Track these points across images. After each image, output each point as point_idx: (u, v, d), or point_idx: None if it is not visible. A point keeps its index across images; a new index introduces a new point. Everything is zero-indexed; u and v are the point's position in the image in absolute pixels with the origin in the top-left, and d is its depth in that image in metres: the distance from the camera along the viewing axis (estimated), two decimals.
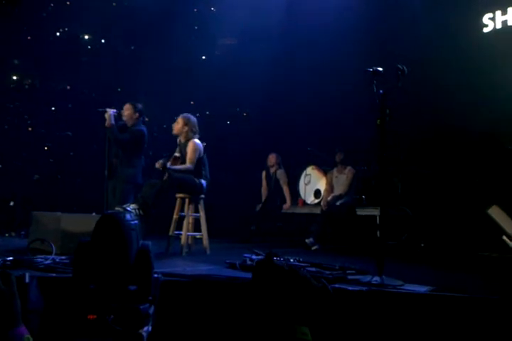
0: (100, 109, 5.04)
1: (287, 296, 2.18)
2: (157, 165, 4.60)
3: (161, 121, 7.89)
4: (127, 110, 5.16)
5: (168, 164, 4.68)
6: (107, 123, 4.97)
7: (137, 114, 5.18)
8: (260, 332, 2.11)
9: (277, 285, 2.24)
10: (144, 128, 5.23)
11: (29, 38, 7.36)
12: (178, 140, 4.97)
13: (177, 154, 4.89)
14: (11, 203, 6.59)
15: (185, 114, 4.94)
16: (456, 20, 5.96)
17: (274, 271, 2.32)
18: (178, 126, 4.89)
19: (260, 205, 6.83)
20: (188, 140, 4.81)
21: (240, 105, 8.27)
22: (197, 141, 4.81)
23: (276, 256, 3.23)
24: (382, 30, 6.41)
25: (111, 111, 4.98)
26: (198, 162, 4.75)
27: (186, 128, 4.84)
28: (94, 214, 4.40)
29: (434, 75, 5.76)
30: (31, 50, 7.26)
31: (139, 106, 5.24)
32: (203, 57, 8.39)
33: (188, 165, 4.69)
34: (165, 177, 4.47)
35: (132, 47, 8.05)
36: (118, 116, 5.09)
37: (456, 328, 2.47)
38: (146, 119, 5.50)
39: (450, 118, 5.57)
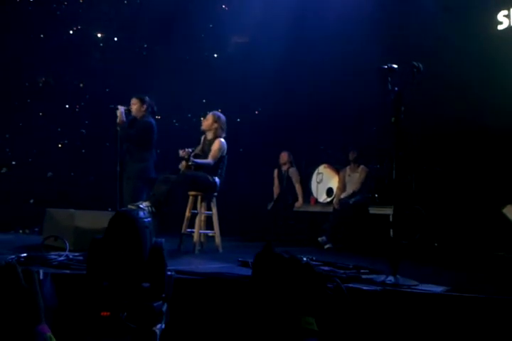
0: (112, 106, 5.11)
1: (290, 285, 2.16)
2: (181, 153, 4.55)
3: (173, 119, 7.90)
4: (134, 104, 5.24)
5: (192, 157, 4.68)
6: (118, 120, 5.07)
7: (145, 106, 5.25)
8: (266, 324, 2.09)
9: (278, 273, 2.22)
10: (152, 120, 5.27)
11: (42, 36, 7.40)
12: (203, 137, 4.99)
13: (198, 152, 4.91)
14: (31, 201, 6.65)
15: (215, 112, 5.03)
16: (471, 17, 5.89)
17: (274, 260, 2.30)
18: (207, 122, 4.93)
19: (272, 203, 6.82)
20: (215, 137, 4.84)
21: (252, 103, 8.25)
22: (223, 140, 4.85)
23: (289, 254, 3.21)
24: (396, 27, 6.35)
25: (122, 109, 5.07)
26: (219, 160, 4.77)
27: (216, 125, 4.88)
28: (108, 210, 4.42)
29: (448, 72, 5.70)
30: (45, 48, 7.30)
31: (146, 98, 5.30)
32: (215, 55, 8.38)
33: (210, 159, 4.71)
34: (180, 167, 4.50)
35: (145, 45, 8.06)
36: (128, 113, 5.17)
37: (472, 329, 2.44)
38: (156, 110, 5.49)
39: (464, 115, 5.51)
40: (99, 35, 7.92)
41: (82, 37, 7.69)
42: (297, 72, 7.30)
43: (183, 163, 4.65)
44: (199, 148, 4.97)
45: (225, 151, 4.87)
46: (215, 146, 4.77)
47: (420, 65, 3.12)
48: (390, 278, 2.83)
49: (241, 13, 7.42)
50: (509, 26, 5.70)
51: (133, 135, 5.10)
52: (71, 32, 7.67)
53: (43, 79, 7.57)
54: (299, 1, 7.13)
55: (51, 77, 7.57)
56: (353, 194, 5.90)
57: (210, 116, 4.95)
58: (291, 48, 7.20)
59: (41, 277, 2.36)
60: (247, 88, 7.55)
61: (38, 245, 3.72)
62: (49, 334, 1.41)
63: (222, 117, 4.97)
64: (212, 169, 4.72)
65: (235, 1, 7.77)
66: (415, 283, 2.82)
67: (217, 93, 7.74)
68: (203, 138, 5.03)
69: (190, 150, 4.55)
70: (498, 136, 5.24)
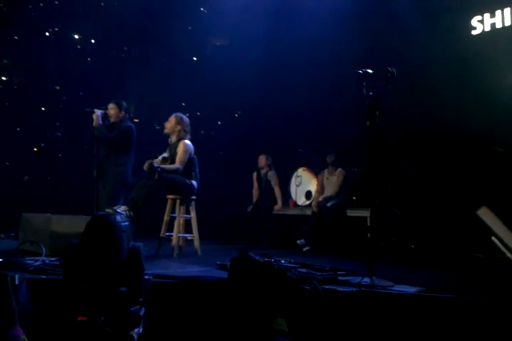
0: (88, 109, 5.08)
1: (262, 288, 2.21)
2: (144, 167, 4.56)
3: (152, 123, 7.87)
4: (112, 109, 5.20)
5: (157, 163, 4.66)
6: (94, 124, 5.03)
7: (123, 112, 5.23)
8: (239, 324, 2.14)
9: (252, 278, 2.27)
10: (131, 124, 5.25)
11: (17, 37, 7.31)
12: (169, 140, 4.96)
13: (165, 155, 4.88)
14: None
15: (177, 113, 4.96)
16: (446, 22, 6.00)
17: (249, 265, 2.34)
18: (170, 124, 4.90)
19: (251, 206, 6.83)
20: (179, 140, 4.81)
21: (231, 106, 8.27)
22: (188, 141, 4.80)
23: (268, 257, 3.24)
24: (371, 32, 6.43)
25: (98, 112, 5.04)
26: (189, 162, 4.74)
27: (179, 127, 4.84)
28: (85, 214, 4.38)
29: (424, 77, 5.80)
30: (20, 50, 7.21)
31: (124, 104, 5.28)
32: (194, 58, 8.38)
33: (177, 165, 4.68)
34: (156, 177, 4.47)
35: (125, 48, 8.01)
36: (105, 116, 5.14)
37: (445, 328, 2.49)
38: (132, 116, 5.51)
39: (440, 119, 5.60)
40: (76, 36, 7.85)
41: (59, 38, 7.61)
42: (276, 75, 7.34)
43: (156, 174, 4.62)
44: (167, 151, 4.94)
45: (193, 153, 4.83)
46: (180, 149, 4.73)
47: (394, 70, 3.17)
48: (366, 280, 2.88)
49: (220, 16, 7.43)
50: (483, 31, 5.82)
51: (112, 138, 5.07)
52: (47, 33, 7.59)
53: (19, 80, 7.48)
54: (278, 5, 7.17)
55: (26, 78, 7.48)
56: (331, 197, 5.95)
57: (172, 118, 4.91)
58: (270, 51, 7.24)
59: (17, 282, 2.35)
60: (226, 91, 7.56)
61: (13, 250, 3.67)
62: (23, 337, 1.40)
63: (185, 119, 4.94)
64: (185, 172, 4.70)
65: (213, 4, 7.78)
66: (390, 284, 2.86)
67: (196, 96, 7.73)
68: (169, 140, 4.97)
69: (150, 160, 4.53)
70: (472, 140, 5.34)
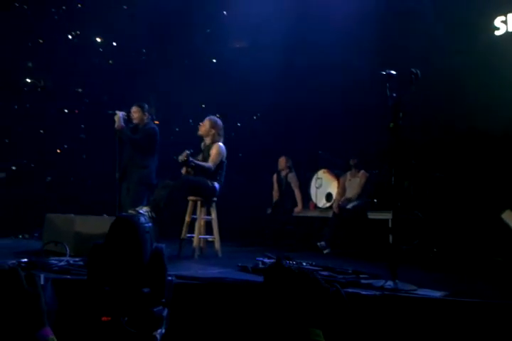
0: (110, 111, 5.13)
1: (299, 299, 2.20)
2: (180, 157, 4.53)
3: (172, 124, 7.91)
4: (136, 113, 5.25)
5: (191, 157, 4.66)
6: (116, 126, 5.08)
7: (146, 114, 5.29)
8: (274, 334, 2.13)
9: (288, 288, 2.26)
10: (155, 126, 5.30)
11: (41, 41, 7.42)
12: (202, 144, 5.00)
13: (199, 159, 4.91)
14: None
15: (212, 117, 5.01)
16: (469, 23, 5.93)
17: (285, 274, 2.34)
18: (204, 127, 4.92)
19: (271, 208, 6.82)
20: (213, 142, 4.84)
21: (250, 108, 8.27)
22: (222, 145, 4.84)
23: (289, 260, 3.23)
24: (393, 34, 6.39)
25: (120, 114, 5.09)
26: (218, 165, 4.77)
27: (213, 131, 4.87)
28: (107, 216, 4.43)
29: (446, 78, 5.73)
30: (44, 52, 7.32)
31: (146, 106, 5.34)
32: (214, 60, 8.41)
33: (210, 163, 4.70)
34: (182, 171, 4.50)
35: (144, 51, 8.08)
36: (127, 118, 5.18)
37: (471, 333, 2.45)
38: (154, 118, 5.58)
39: (463, 120, 5.54)
40: (98, 39, 7.93)
41: (81, 41, 7.71)
42: (296, 77, 7.33)
43: (184, 168, 4.66)
44: (201, 154, 4.97)
45: (225, 156, 4.86)
46: (214, 151, 4.77)
47: (418, 72, 3.15)
48: (389, 283, 2.85)
49: (240, 18, 7.44)
50: (506, 32, 5.74)
51: (138, 140, 5.12)
52: (70, 36, 7.68)
53: (42, 83, 7.58)
54: (298, 8, 7.16)
55: (50, 81, 7.58)
56: (351, 198, 5.92)
57: (206, 122, 4.94)
58: (290, 54, 7.23)
59: (42, 282, 2.37)
60: (245, 93, 7.57)
61: (38, 250, 3.72)
62: (52, 337, 1.41)
63: (219, 122, 4.97)
64: (211, 174, 4.72)
65: (234, 7, 7.80)
66: (414, 287, 2.83)
67: (216, 98, 7.76)
68: (202, 145, 5.03)
69: (188, 151, 4.53)
70: (496, 141, 5.27)
